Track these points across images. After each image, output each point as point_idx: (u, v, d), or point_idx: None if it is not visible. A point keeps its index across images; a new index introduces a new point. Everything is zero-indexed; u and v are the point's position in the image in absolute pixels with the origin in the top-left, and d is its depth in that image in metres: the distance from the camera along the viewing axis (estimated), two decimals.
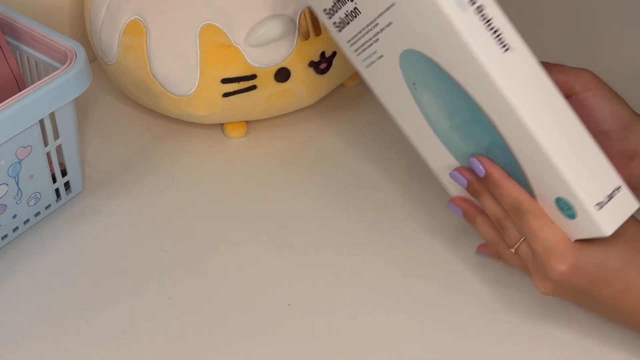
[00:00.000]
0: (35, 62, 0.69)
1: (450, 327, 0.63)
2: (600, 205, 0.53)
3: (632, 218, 0.55)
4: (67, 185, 0.71)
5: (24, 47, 0.68)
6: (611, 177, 0.53)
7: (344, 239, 0.70)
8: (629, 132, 0.62)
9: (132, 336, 0.63)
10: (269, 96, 0.75)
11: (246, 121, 0.80)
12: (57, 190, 0.70)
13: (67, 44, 0.65)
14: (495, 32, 0.51)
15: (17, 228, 0.69)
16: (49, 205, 0.71)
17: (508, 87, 0.51)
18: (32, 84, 0.68)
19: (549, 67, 0.62)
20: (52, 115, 0.64)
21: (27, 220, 0.69)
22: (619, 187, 0.53)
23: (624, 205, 0.53)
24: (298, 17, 0.72)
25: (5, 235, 0.68)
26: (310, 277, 0.67)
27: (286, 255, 0.69)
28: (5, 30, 0.68)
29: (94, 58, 0.85)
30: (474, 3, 0.51)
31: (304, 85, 0.75)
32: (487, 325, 0.63)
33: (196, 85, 0.72)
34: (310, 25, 0.72)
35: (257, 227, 0.71)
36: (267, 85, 0.74)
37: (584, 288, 0.57)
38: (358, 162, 0.77)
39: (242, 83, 0.73)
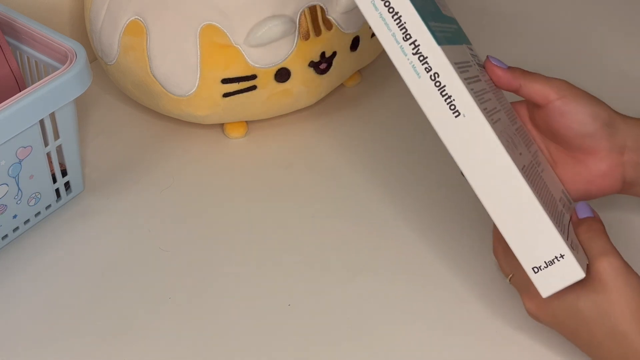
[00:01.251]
0: (36, 62, 0.69)
1: (452, 328, 0.63)
2: (537, 269, 0.55)
3: (624, 273, 0.55)
4: (67, 185, 0.71)
5: (24, 47, 0.68)
6: (555, 245, 0.54)
7: (344, 238, 0.70)
8: (613, 129, 0.63)
9: (132, 336, 0.63)
10: (269, 96, 0.75)
11: (246, 121, 0.80)
12: (57, 190, 0.70)
13: (67, 44, 0.65)
14: (448, 98, 0.54)
15: (17, 228, 0.69)
16: (49, 205, 0.71)
17: (456, 151, 0.55)
18: (32, 84, 0.68)
19: (526, 76, 0.64)
20: (52, 115, 0.64)
21: (28, 220, 0.69)
22: (562, 256, 0.54)
23: (567, 273, 0.54)
24: (298, 17, 0.72)
25: (6, 235, 0.68)
26: (310, 277, 0.67)
27: (286, 255, 0.69)
28: (5, 30, 0.68)
29: (94, 58, 0.85)
30: (429, 70, 0.54)
31: (304, 85, 0.75)
32: (490, 327, 0.63)
33: (196, 85, 0.72)
34: (310, 25, 0.72)
35: (257, 227, 0.71)
36: (267, 86, 0.74)
37: (555, 329, 0.58)
38: (358, 162, 0.77)
39: (242, 83, 0.73)
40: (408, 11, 0.54)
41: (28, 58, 0.69)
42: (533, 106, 0.65)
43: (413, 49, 0.54)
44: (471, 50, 0.64)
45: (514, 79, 0.64)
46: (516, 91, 0.64)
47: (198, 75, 0.72)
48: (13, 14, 0.68)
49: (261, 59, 0.72)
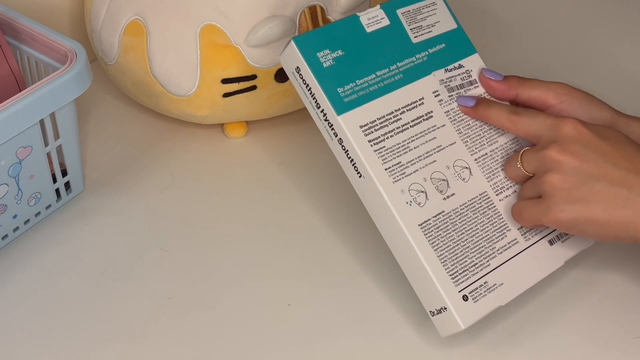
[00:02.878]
0: (36, 62, 0.69)
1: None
2: (432, 313, 0.60)
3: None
4: (67, 185, 0.71)
5: (25, 47, 0.68)
6: (438, 298, 0.59)
7: (344, 238, 0.70)
8: None
9: (132, 336, 0.63)
10: (269, 96, 0.75)
11: (246, 121, 0.80)
12: (57, 190, 0.70)
13: (68, 44, 0.65)
14: (352, 160, 0.61)
15: (17, 228, 0.69)
16: (49, 205, 0.71)
17: (365, 203, 0.62)
18: (33, 84, 0.68)
19: (522, 84, 0.63)
20: (52, 115, 0.64)
21: (28, 220, 0.69)
22: (445, 308, 0.59)
23: (450, 324, 0.59)
24: (298, 17, 0.72)
25: (6, 235, 0.68)
26: (310, 277, 0.67)
27: (286, 255, 0.69)
28: (5, 31, 0.68)
29: (94, 58, 0.85)
30: (336, 136, 0.61)
31: None
32: (487, 327, 0.63)
33: (196, 85, 0.72)
34: (310, 25, 0.72)
35: (257, 227, 0.71)
36: (267, 86, 0.74)
37: (597, 145, 0.58)
38: None
39: (242, 83, 0.73)
40: (314, 83, 0.61)
41: (28, 58, 0.69)
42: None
43: (323, 116, 0.61)
44: (452, 70, 0.65)
45: (508, 90, 0.64)
46: (514, 100, 0.64)
47: (198, 75, 0.72)
48: (13, 14, 0.68)
49: (261, 59, 0.72)
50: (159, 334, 0.63)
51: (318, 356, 0.62)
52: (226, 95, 0.73)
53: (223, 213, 0.72)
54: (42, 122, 0.63)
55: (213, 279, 0.67)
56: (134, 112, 0.82)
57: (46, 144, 0.65)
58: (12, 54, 0.68)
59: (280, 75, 0.73)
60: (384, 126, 0.61)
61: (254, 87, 0.73)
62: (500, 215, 0.62)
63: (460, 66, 0.66)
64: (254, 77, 0.73)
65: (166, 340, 0.62)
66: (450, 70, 0.65)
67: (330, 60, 0.61)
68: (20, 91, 0.62)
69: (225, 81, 0.72)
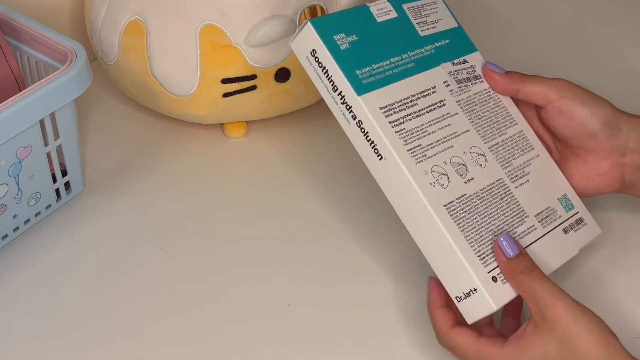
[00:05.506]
0: (36, 62, 0.69)
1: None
2: (459, 298, 0.58)
3: (579, 312, 0.54)
4: (67, 185, 0.71)
5: (24, 47, 0.68)
6: (467, 280, 0.58)
7: (344, 238, 0.70)
8: (615, 130, 0.63)
9: (132, 336, 0.63)
10: (269, 96, 0.75)
11: (246, 121, 0.80)
12: (57, 190, 0.70)
13: (68, 44, 0.65)
14: (372, 143, 0.60)
15: (17, 228, 0.69)
16: (49, 205, 0.71)
17: (384, 188, 0.61)
18: (33, 84, 0.68)
19: (523, 79, 0.64)
20: (52, 115, 0.64)
21: (28, 220, 0.69)
22: (476, 290, 0.57)
23: (481, 306, 0.58)
24: (298, 17, 0.72)
25: (6, 235, 0.68)
26: (310, 277, 0.67)
27: (286, 255, 0.69)
28: (5, 30, 0.68)
29: (94, 58, 0.85)
30: (355, 118, 0.60)
31: (304, 85, 0.75)
32: None
33: (196, 85, 0.72)
34: None
35: (257, 227, 0.71)
36: (267, 86, 0.74)
37: None
38: (358, 162, 0.76)
39: (242, 83, 0.73)
40: (332, 64, 0.60)
41: (28, 58, 0.69)
42: (536, 106, 0.66)
43: (340, 99, 0.60)
44: (458, 64, 0.66)
45: (511, 84, 0.64)
46: (515, 94, 0.65)
47: (198, 75, 0.72)
48: (13, 14, 0.68)
49: (261, 59, 0.72)
50: (159, 333, 0.63)
51: (318, 356, 0.62)
52: (226, 95, 0.73)
53: (223, 213, 0.72)
54: (42, 122, 0.63)
55: (213, 279, 0.67)
56: (134, 112, 0.82)
57: (46, 144, 0.65)
58: (12, 54, 0.68)
59: (280, 75, 0.73)
60: (402, 109, 0.61)
61: (254, 87, 0.73)
62: (518, 201, 0.62)
63: (465, 61, 0.66)
64: (254, 77, 0.73)
65: (166, 340, 0.62)
66: (457, 64, 0.65)
67: (347, 44, 0.61)
68: (20, 91, 0.62)
69: (225, 81, 0.72)
